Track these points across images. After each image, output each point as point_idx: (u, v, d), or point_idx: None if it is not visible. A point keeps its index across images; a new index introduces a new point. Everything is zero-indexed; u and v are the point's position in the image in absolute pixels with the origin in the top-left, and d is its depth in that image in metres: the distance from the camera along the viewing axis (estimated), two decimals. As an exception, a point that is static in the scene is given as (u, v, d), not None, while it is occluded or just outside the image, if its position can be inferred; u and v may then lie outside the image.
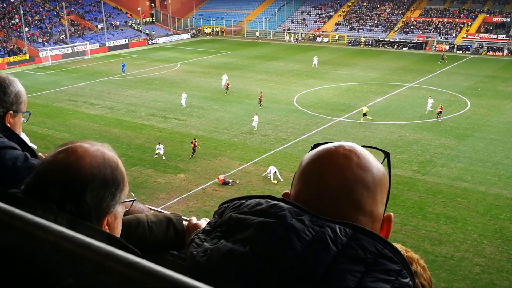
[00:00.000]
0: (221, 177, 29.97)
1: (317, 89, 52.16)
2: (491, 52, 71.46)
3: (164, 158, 33.24)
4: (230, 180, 29.99)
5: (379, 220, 1.41)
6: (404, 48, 77.01)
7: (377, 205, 1.39)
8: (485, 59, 68.25)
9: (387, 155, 1.56)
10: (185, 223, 2.32)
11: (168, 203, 27.59)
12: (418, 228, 24.63)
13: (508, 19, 77.07)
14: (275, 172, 29.88)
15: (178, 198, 28.37)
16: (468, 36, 75.92)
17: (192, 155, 33.83)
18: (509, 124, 39.59)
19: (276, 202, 1.33)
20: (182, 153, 34.47)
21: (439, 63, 63.30)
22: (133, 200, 1.94)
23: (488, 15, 79.75)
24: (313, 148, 1.46)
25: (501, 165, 31.87)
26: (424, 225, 24.93)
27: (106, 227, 1.71)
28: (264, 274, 1.19)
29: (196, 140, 34.60)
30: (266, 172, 30.19)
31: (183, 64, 66.68)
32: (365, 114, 40.56)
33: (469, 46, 73.50)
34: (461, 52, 73.23)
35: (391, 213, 1.48)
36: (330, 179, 1.34)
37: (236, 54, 74.10)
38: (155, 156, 33.64)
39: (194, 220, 2.33)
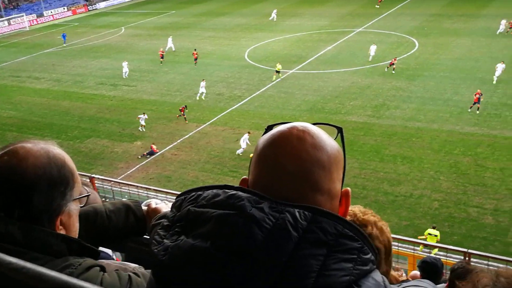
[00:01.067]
0: (154, 146, 29.19)
1: (267, 42, 51.74)
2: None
3: (141, 129, 32.14)
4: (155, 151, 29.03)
5: (337, 197, 1.39)
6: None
7: (334, 183, 1.37)
8: (429, -2, 68.96)
9: (339, 130, 1.56)
10: (145, 208, 2.29)
11: (128, 172, 27.21)
12: (377, 171, 25.21)
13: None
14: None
15: (138, 166, 27.99)
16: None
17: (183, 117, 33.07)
18: (457, 61, 40.47)
19: (234, 192, 1.30)
20: (136, 120, 33.86)
21: (377, 6, 63.47)
22: (87, 196, 1.86)
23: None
24: (267, 130, 1.46)
25: (452, 101, 32.70)
26: (382, 167, 25.52)
27: (61, 227, 1.67)
28: (228, 269, 1.17)
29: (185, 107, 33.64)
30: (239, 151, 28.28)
31: (127, 28, 64.68)
32: (278, 72, 39.42)
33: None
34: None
35: (349, 188, 1.46)
36: (286, 162, 1.32)
37: (181, 12, 72.35)
38: (141, 129, 32.17)
39: (153, 204, 2.30)
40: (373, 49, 42.46)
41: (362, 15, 60.47)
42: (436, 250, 12.24)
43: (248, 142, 27.88)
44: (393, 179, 24.37)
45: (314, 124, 1.46)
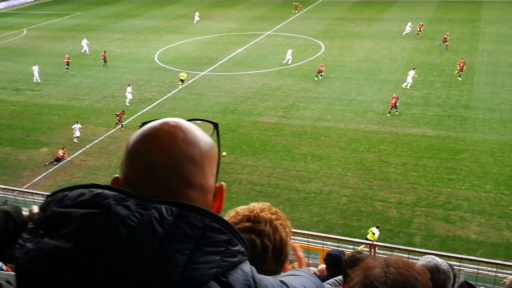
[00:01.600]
0: (61, 152, 28.03)
1: (177, 44, 51.36)
2: (338, -5, 75.00)
3: (76, 140, 30.18)
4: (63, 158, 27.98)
5: (210, 192, 1.42)
6: (258, -3, 78.03)
7: (207, 178, 1.39)
8: (334, 2, 71.58)
9: (215, 126, 1.56)
10: (26, 213, 2.18)
11: (34, 180, 25.98)
12: (289, 170, 25.90)
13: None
14: None
15: (44, 173, 26.79)
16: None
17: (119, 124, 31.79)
18: (360, 63, 42.42)
19: (100, 191, 1.28)
20: (42, 125, 32.34)
21: (295, 11, 64.83)
22: None
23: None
24: (141, 127, 1.43)
25: (356, 101, 34.26)
26: (294, 166, 26.26)
27: None
28: (91, 269, 1.16)
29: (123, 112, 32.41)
30: None
31: (30, 30, 61.55)
32: (182, 80, 38.45)
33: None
34: (311, -3, 75.99)
35: (223, 183, 1.50)
36: (157, 158, 1.32)
37: (87, 14, 69.94)
38: (76, 141, 30.13)
39: (35, 209, 2.15)
40: (289, 52, 43.44)
41: (270, 18, 61.66)
42: (362, 247, 12.79)
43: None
44: (304, 177, 25.15)
45: (189, 120, 1.46)
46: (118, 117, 31.81)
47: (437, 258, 4.64)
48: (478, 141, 27.70)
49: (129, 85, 36.51)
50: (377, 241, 18.14)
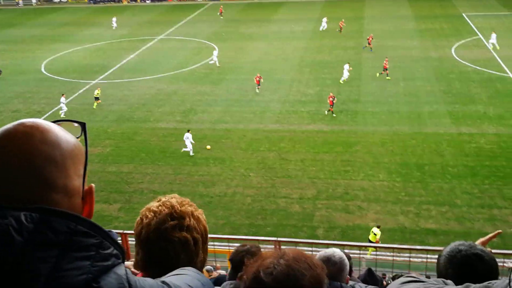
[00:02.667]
0: None
1: (65, 53, 49.08)
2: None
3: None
4: None
5: (78, 194, 1.34)
6: (147, 1, 76.82)
7: (71, 179, 1.31)
8: (225, 4, 72.01)
9: (83, 126, 1.51)
10: None
11: None
12: (191, 175, 25.65)
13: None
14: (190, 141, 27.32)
15: None
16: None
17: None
18: (255, 63, 43.07)
19: None
20: None
21: (221, 17, 63.73)
22: None
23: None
24: None
25: (254, 102, 34.73)
26: (196, 170, 26.04)
27: None
28: None
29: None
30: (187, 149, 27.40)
31: None
32: (97, 98, 35.05)
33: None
34: (201, 0, 76.09)
35: (92, 185, 1.42)
36: (12, 160, 1.23)
37: (-38, 24, 64.87)
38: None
39: None
40: (215, 54, 43.37)
41: (162, 22, 60.87)
42: (370, 251, 12.71)
43: (192, 140, 27.34)
44: (207, 181, 25.02)
45: (54, 121, 1.39)
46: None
47: (335, 249, 4.79)
48: (369, 133, 29.15)
49: (63, 94, 34.50)
50: (379, 242, 18.27)
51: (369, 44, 44.83)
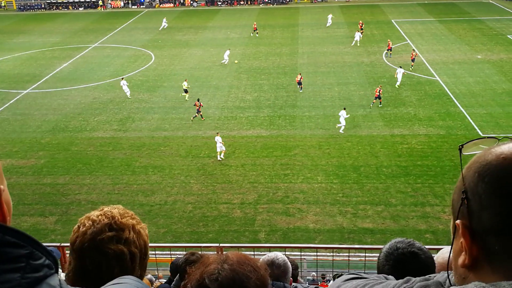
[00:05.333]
0: None
1: (-7, 62, 47.07)
2: (163, 4, 75.25)
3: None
4: None
5: None
6: (80, 8, 74.94)
7: None
8: (160, 11, 71.57)
9: None
10: None
11: None
12: (130, 184, 25.24)
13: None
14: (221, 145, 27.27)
15: None
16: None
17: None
18: (192, 70, 42.95)
19: None
20: None
21: (252, 35, 54.39)
22: None
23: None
24: None
25: (192, 108, 34.46)
26: (135, 179, 25.66)
27: None
28: None
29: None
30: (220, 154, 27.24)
31: None
32: (186, 91, 36.21)
33: (142, 0, 75.76)
34: (136, 7, 75.11)
35: (1, 186, 1.39)
36: None
37: None
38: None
39: None
40: (227, 53, 43.87)
41: (95, 30, 59.55)
42: None
43: (221, 143, 27.27)
44: (147, 190, 24.70)
45: None
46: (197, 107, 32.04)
47: (277, 253, 4.94)
48: (307, 136, 29.76)
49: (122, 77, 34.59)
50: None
51: (388, 49, 44.63)
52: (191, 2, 75.05)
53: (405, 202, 22.79)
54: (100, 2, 74.18)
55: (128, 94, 36.95)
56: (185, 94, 36.26)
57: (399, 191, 23.64)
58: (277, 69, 42.21)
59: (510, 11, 62.12)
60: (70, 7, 75.21)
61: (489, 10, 63.22)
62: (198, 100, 32.69)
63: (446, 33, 52.18)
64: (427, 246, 3.97)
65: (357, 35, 48.68)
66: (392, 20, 58.52)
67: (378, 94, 33.30)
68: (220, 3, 74.46)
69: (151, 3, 75.52)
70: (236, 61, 43.58)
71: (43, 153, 28.74)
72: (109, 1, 76.14)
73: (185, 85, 36.54)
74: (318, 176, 25.32)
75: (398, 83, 36.87)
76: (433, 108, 32.90)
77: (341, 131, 29.87)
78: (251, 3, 74.10)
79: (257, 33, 51.59)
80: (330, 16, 57.99)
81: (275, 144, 28.98)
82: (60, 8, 75.43)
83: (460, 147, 1.40)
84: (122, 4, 75.34)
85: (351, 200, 23.10)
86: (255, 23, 53.41)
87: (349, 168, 25.95)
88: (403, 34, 50.93)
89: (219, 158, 27.21)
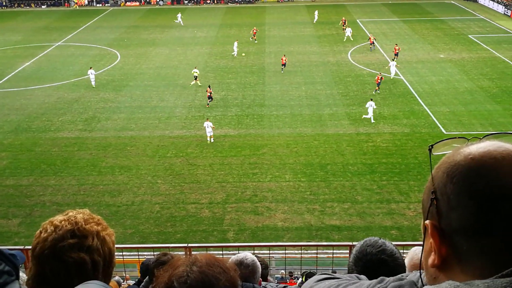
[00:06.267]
0: None
1: (-49, 61, 45.66)
2: (129, 2, 74.34)
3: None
4: None
5: None
6: (43, 6, 73.35)
7: None
8: (125, 10, 70.71)
9: None
10: None
11: None
12: (96, 185, 24.88)
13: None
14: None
15: None
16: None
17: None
18: (158, 69, 42.61)
19: None
20: None
21: (251, 40, 52.23)
22: None
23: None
24: None
25: (159, 108, 34.34)
26: (101, 180, 25.31)
27: None
28: None
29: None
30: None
31: None
32: (195, 78, 38.04)
33: (107, -2, 74.72)
34: (101, 5, 73.98)
35: None
36: None
37: None
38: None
39: None
40: (235, 45, 44.45)
41: (59, 28, 58.39)
42: None
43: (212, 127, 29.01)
44: (113, 190, 24.40)
45: None
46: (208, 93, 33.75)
47: (246, 253, 4.97)
48: (275, 135, 29.90)
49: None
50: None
51: (371, 43, 47.14)
52: (157, 0, 74.40)
53: (371, 199, 23.15)
54: None
55: (93, 83, 37.71)
56: (196, 81, 37.71)
57: (365, 189, 24.00)
58: (245, 68, 42.25)
59: (471, 11, 63.74)
60: (33, 5, 73.48)
61: (450, 10, 64.72)
62: (209, 87, 34.41)
63: (409, 32, 53.20)
64: (393, 242, 4.05)
65: (348, 31, 50.01)
66: (357, 20, 59.27)
67: (380, 81, 35.55)
68: (186, 1, 74.04)
69: (117, 1, 74.52)
70: (243, 54, 45.15)
71: (6, 154, 28.07)
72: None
73: (196, 72, 38.01)
74: (286, 174, 25.47)
75: (392, 75, 38.51)
76: (398, 107, 33.51)
77: (372, 120, 30.94)
78: (217, 2, 73.94)
79: (255, 39, 50.34)
80: (316, 12, 59.65)
81: (243, 143, 29.02)
82: (22, 5, 73.63)
83: (430, 147, 1.42)
84: (86, 2, 74.08)
85: (319, 198, 23.33)
86: (255, 28, 52.33)
87: (316, 166, 26.20)
88: (368, 34, 51.61)
89: (210, 141, 28.89)
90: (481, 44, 48.24)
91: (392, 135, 29.50)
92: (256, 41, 49.75)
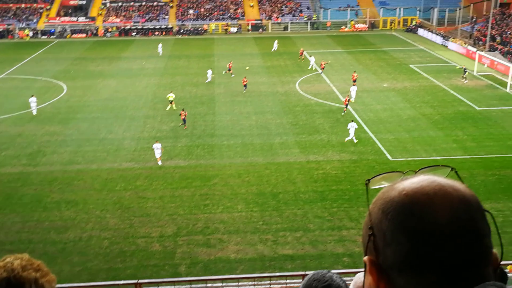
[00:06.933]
0: None
1: None
2: (75, 34, 73.39)
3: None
4: None
5: None
6: (-15, 38, 71.38)
7: None
8: (71, 42, 69.77)
9: None
10: None
11: None
12: (41, 221, 23.98)
13: (85, 1, 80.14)
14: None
15: None
16: (50, 21, 75.74)
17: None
18: (106, 101, 42.00)
19: None
20: None
21: (225, 73, 51.82)
22: None
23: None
24: None
25: (107, 140, 33.73)
26: (47, 216, 24.43)
27: None
28: None
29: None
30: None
31: None
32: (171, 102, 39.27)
33: (52, 30, 73.51)
34: (46, 37, 72.68)
35: None
36: None
37: None
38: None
39: None
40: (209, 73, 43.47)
41: (2, 61, 56.85)
42: None
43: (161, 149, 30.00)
44: (60, 226, 23.56)
45: None
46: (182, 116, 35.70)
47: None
48: (226, 165, 29.86)
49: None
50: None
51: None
52: (104, 32, 73.83)
53: (322, 226, 23.34)
54: (27, 31, 71.54)
55: (34, 112, 37.40)
56: (171, 105, 38.93)
57: (316, 216, 24.20)
58: (194, 99, 42.28)
59: (412, 42, 66.51)
60: (-27, 37, 71.41)
61: (392, 41, 67.35)
62: (183, 110, 35.99)
63: (354, 63, 54.85)
64: (345, 270, 4.06)
65: (312, 59, 51.97)
66: (304, 52, 60.71)
67: (347, 102, 38.06)
68: (134, 33, 73.79)
69: (62, 33, 73.41)
70: (247, 68, 49.59)
71: None
72: (17, 31, 73.19)
73: (171, 96, 39.33)
74: (238, 205, 25.38)
75: (353, 99, 40.46)
76: (345, 135, 34.23)
77: (354, 140, 32.44)
78: (166, 34, 74.07)
79: (231, 73, 49.84)
80: (275, 41, 61.70)
81: (194, 174, 28.81)
82: (-38, 37, 71.40)
83: (367, 182, 1.43)
84: (31, 34, 72.58)
85: (271, 228, 23.31)
86: (231, 62, 52.06)
87: (268, 195, 26.26)
88: (315, 65, 52.88)
89: (160, 163, 29.68)
90: (422, 73, 50.30)
91: (340, 162, 30.04)
92: (233, 75, 49.39)
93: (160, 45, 61.06)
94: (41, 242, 22.21)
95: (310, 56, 53.26)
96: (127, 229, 23.41)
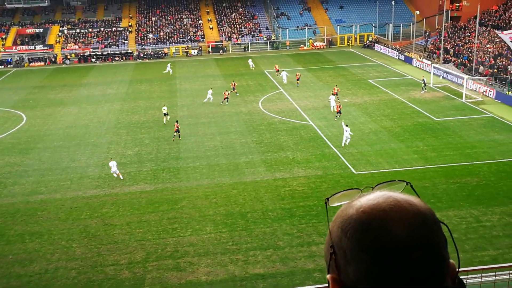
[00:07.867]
0: None
1: None
2: (33, 62, 72.26)
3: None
4: None
5: None
6: None
7: None
8: (29, 70, 68.65)
9: None
10: None
11: None
12: (4, 255, 23.29)
13: (41, 29, 79.18)
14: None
15: None
16: (7, 50, 74.45)
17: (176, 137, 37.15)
18: (68, 129, 41.37)
19: None
20: None
21: (233, 92, 58.55)
22: None
23: (20, 27, 79.83)
24: None
25: (70, 168, 33.16)
26: (10, 249, 23.75)
27: None
28: None
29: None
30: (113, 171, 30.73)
31: None
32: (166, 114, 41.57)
33: (9, 59, 72.22)
34: (3, 66, 71.31)
35: None
36: None
37: None
38: None
39: None
40: (209, 92, 39.75)
41: (-43, 92, 55.42)
42: None
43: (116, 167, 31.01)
44: (24, 259, 22.93)
45: None
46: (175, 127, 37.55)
47: None
48: (193, 187, 29.74)
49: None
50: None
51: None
52: (63, 59, 72.96)
53: (292, 243, 23.44)
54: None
55: None
56: (166, 118, 41.23)
57: (285, 233, 24.29)
58: (158, 123, 42.09)
59: (369, 58, 68.09)
60: None
61: (350, 58, 68.80)
62: (176, 122, 38.04)
63: (314, 80, 55.74)
64: (316, 286, 4.18)
65: (284, 74, 54.06)
66: (265, 71, 61.36)
67: (339, 109, 41.32)
68: (93, 59, 73.16)
69: (20, 62, 72.17)
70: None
71: None
72: (-29, 61, 71.56)
73: (164, 109, 41.65)
74: (206, 226, 25.26)
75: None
76: (309, 151, 34.64)
77: (346, 142, 34.85)
78: (126, 59, 73.70)
79: (236, 92, 49.90)
80: (250, 60, 63.19)
81: (161, 198, 28.57)
82: None
83: (326, 200, 1.48)
84: (-14, 64, 71.13)
85: (241, 247, 23.27)
86: (234, 81, 52.27)
87: (237, 215, 26.25)
88: (276, 83, 53.46)
89: (121, 178, 30.94)
90: (381, 87, 51.49)
91: (306, 178, 30.32)
92: (237, 94, 49.95)
93: (168, 65, 62.84)
94: (4, 277, 21.56)
95: (282, 71, 54.47)
96: (95, 257, 22.96)
